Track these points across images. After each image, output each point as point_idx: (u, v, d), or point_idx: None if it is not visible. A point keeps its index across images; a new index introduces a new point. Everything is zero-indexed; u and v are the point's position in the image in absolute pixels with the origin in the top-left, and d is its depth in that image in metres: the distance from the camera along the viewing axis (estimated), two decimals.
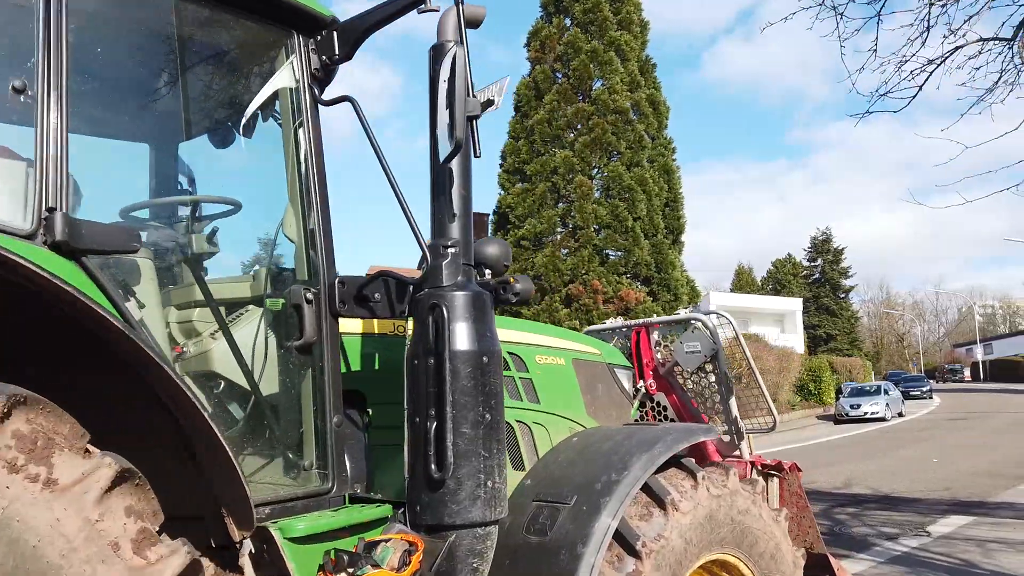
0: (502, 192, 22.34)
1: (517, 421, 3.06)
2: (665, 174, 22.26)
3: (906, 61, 5.13)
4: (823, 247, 56.64)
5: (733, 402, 4.14)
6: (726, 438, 4.40)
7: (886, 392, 27.56)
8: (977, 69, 4.87)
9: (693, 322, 4.18)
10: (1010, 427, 20.50)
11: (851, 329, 55.48)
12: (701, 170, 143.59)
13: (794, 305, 50.29)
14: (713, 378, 4.36)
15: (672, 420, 4.26)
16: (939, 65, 4.99)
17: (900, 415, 27.62)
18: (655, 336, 4.37)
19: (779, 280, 60.12)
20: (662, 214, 21.99)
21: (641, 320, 4.53)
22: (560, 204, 21.26)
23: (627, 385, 3.90)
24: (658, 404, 4.34)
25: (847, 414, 26.17)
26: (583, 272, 20.19)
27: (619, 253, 20.75)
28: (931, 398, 38.76)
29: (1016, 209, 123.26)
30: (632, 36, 22.64)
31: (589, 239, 20.60)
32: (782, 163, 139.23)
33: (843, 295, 56.06)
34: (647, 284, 21.21)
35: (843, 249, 56.46)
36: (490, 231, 22.94)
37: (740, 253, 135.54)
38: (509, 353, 3.10)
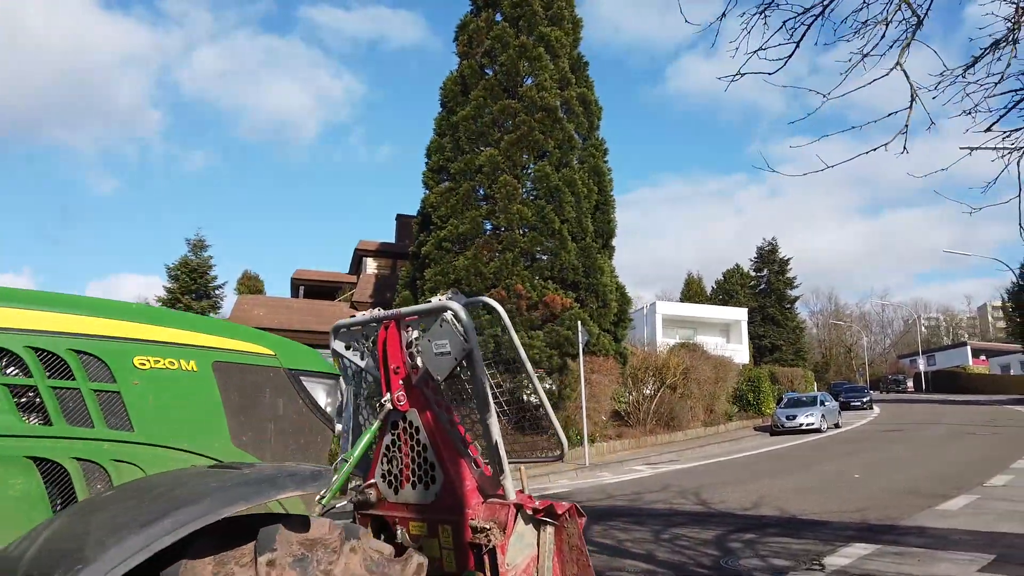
0: (426, 191, 21.24)
1: (76, 459, 1.97)
2: (595, 176, 21.42)
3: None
4: (769, 257, 56.75)
5: (494, 422, 3.08)
6: (515, 470, 3.36)
7: (822, 403, 27.11)
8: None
9: (444, 313, 3.12)
10: (941, 440, 20.08)
11: (796, 339, 55.57)
12: (662, 182, 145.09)
13: (739, 315, 50.19)
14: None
15: (425, 446, 3.20)
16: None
17: (837, 426, 27.21)
18: (410, 333, 3.32)
19: (727, 290, 60.08)
20: (592, 217, 21.12)
21: (391, 311, 3.47)
22: (484, 204, 20.21)
23: (326, 400, 2.83)
24: (410, 425, 3.28)
25: (783, 425, 25.63)
26: (506, 276, 19.17)
27: (545, 257, 19.77)
28: (871, 408, 38.74)
29: (958, 225, 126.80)
30: (563, 32, 21.81)
31: (514, 241, 19.59)
32: (740, 177, 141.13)
33: (788, 305, 56.17)
34: (575, 289, 20.27)
35: (789, 260, 56.65)
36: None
37: (697, 264, 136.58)
38: (75, 351, 2.01)
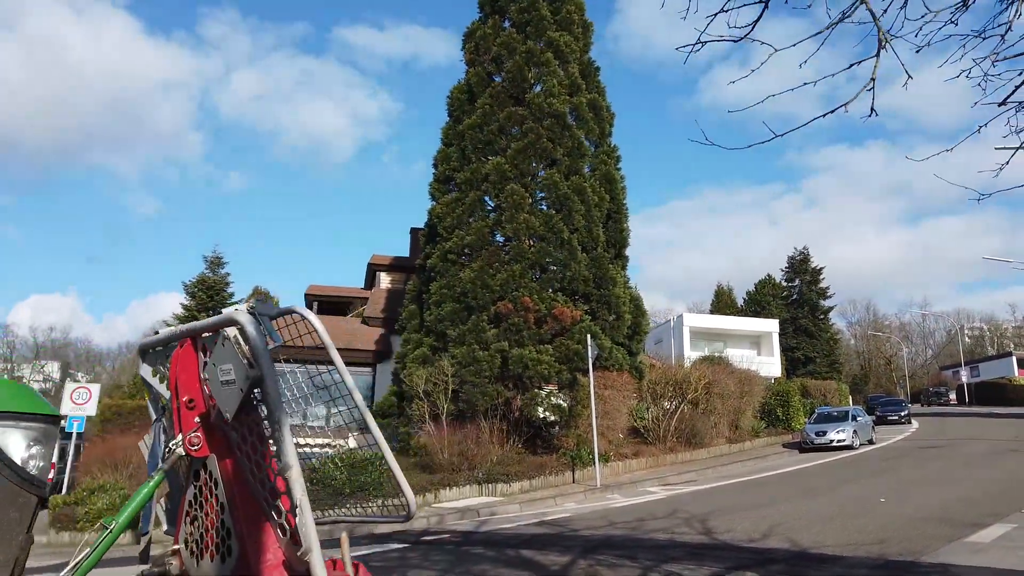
0: (432, 202, 20.68)
1: None
2: (607, 183, 20.66)
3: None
4: (801, 267, 55.19)
5: (295, 477, 2.36)
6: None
7: (854, 418, 25.79)
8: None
9: (225, 330, 2.41)
10: (981, 457, 18.79)
11: (830, 351, 53.82)
12: (695, 193, 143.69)
13: (770, 326, 48.78)
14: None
15: (223, 505, 2.50)
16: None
17: (871, 442, 25.87)
18: (207, 355, 2.62)
19: (759, 301, 58.62)
20: (603, 226, 20.34)
21: (186, 325, 2.78)
22: (492, 215, 19.58)
23: (28, 452, 2.12)
24: (210, 476, 2.57)
25: (812, 442, 24.40)
26: (514, 288, 18.47)
27: (554, 268, 19.04)
28: (909, 423, 37.05)
29: (1003, 233, 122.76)
30: (573, 37, 21.17)
31: (522, 252, 18.91)
32: (776, 187, 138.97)
33: (822, 316, 54.48)
34: (586, 301, 19.49)
35: (821, 269, 55.05)
36: (421, 244, 21.25)
37: (732, 276, 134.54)
38: None
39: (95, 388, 19.35)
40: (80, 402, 18.74)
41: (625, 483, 17.44)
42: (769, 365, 46.72)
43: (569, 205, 19.39)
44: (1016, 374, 73.83)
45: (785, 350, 52.54)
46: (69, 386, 19.32)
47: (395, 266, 28.37)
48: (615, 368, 19.39)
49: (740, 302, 61.99)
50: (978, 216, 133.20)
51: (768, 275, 60.10)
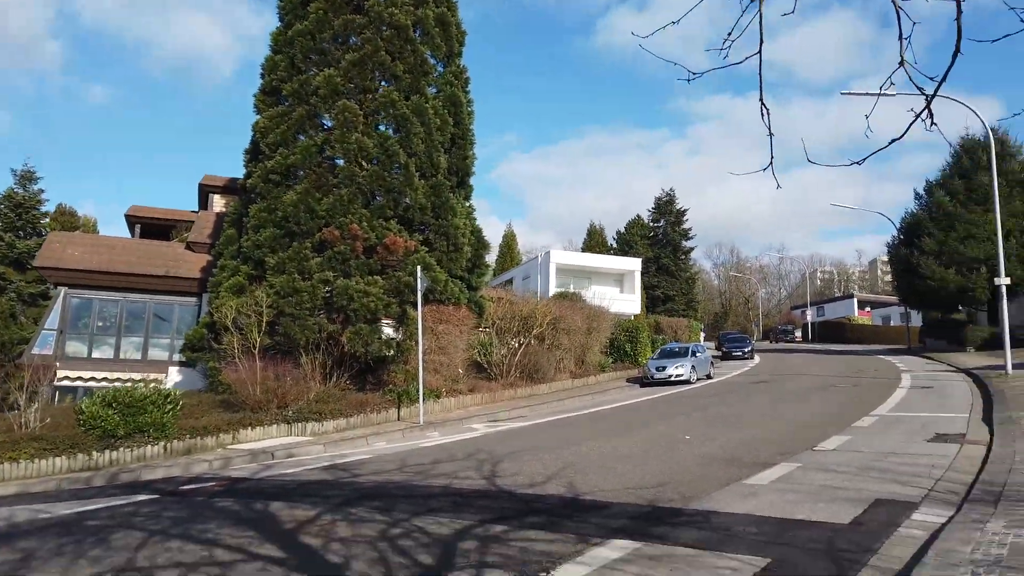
0: (257, 115, 18.57)
1: None
2: (452, 107, 19.26)
3: None
4: (666, 208, 56.30)
5: None
6: None
7: (694, 354, 26.38)
8: None
9: None
10: (801, 392, 19.44)
11: (688, 290, 55.68)
12: (587, 133, 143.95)
13: (633, 265, 49.53)
14: None
15: None
16: None
17: (708, 377, 26.62)
18: None
19: (628, 241, 59.54)
20: (447, 153, 19.05)
21: None
22: (321, 133, 17.79)
23: None
24: None
25: (652, 377, 24.75)
26: (342, 214, 16.96)
27: (388, 194, 17.61)
28: (752, 358, 38.77)
29: (862, 185, 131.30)
30: None
31: (352, 176, 17.34)
32: (663, 132, 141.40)
33: (683, 256, 56.07)
34: (422, 231, 18.28)
35: (685, 211, 56.40)
36: (242, 163, 19.20)
37: (617, 218, 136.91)
38: None
39: None
40: None
41: (452, 420, 16.74)
42: (631, 302, 47.65)
43: (408, 127, 17.92)
44: (856, 314, 79.93)
45: (647, 288, 53.81)
46: None
47: (231, 188, 25.85)
48: (451, 302, 18.44)
49: (612, 241, 62.87)
50: (842, 168, 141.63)
51: (637, 215, 61.10)
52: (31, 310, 28.32)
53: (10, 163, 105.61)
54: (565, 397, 21.39)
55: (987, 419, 12.33)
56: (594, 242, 63.15)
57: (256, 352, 16.24)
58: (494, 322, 23.00)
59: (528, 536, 6.07)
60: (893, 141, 2.92)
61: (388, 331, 18.20)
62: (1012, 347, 20.88)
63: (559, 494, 7.76)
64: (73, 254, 22.08)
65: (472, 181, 20.08)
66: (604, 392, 22.87)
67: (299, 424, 15.11)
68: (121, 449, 12.72)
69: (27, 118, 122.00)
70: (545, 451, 11.05)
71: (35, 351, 22.11)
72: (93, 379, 22.52)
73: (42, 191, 30.19)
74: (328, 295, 16.75)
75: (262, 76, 18.76)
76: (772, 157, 3.12)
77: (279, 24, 19.20)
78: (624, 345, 29.93)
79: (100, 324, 23.40)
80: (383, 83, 18.49)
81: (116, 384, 24.00)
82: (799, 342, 68.18)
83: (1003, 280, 20.08)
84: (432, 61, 19.27)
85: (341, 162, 17.43)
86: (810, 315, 77.51)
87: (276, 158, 17.41)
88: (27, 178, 30.09)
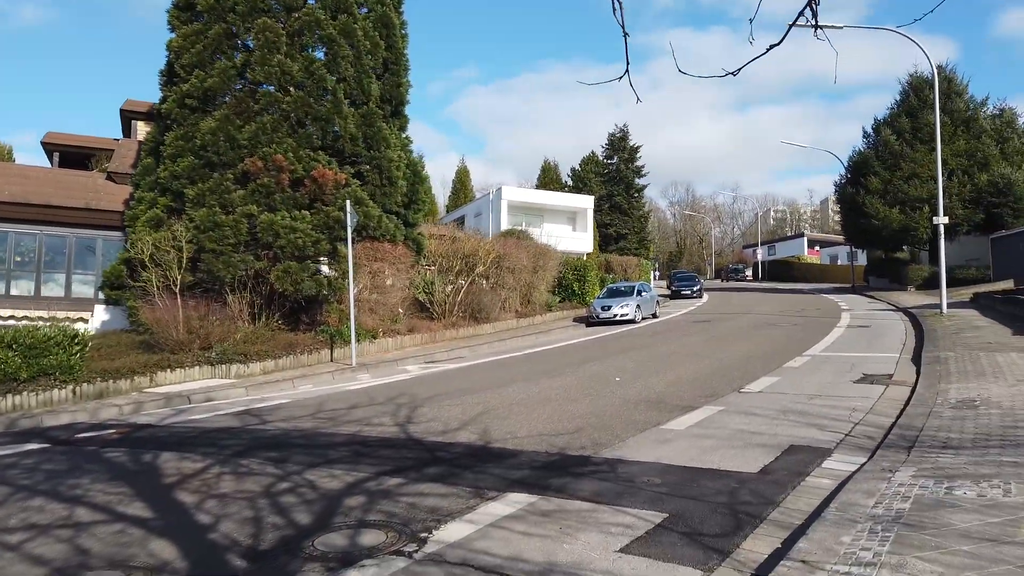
0: (172, 33, 17.17)
1: None
2: (384, 28, 18.09)
3: None
4: (620, 144, 55.52)
5: None
6: None
7: (639, 293, 26.25)
8: None
9: None
10: (741, 331, 19.45)
11: (640, 228, 55.55)
12: (544, 68, 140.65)
13: (586, 203, 48.96)
14: None
15: None
16: None
17: (654, 316, 26.62)
18: None
19: (582, 178, 58.79)
20: (378, 79, 17.99)
21: None
22: (240, 55, 16.55)
23: None
24: None
25: (598, 316, 24.59)
26: (265, 144, 15.94)
27: (316, 123, 16.58)
28: (701, 297, 39.04)
29: (817, 124, 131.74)
30: None
31: (275, 102, 16.26)
32: (621, 67, 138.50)
33: (636, 194, 55.71)
34: (353, 164, 17.37)
35: (639, 148, 55.73)
36: (158, 85, 17.86)
37: (572, 156, 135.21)
38: None
39: None
40: None
41: (388, 362, 16.27)
42: (583, 240, 47.32)
43: (335, 49, 16.78)
44: (806, 253, 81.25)
45: (600, 226, 53.48)
46: None
47: (154, 115, 24.26)
48: (387, 239, 17.72)
49: (567, 179, 62.04)
50: (797, 107, 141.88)
51: (592, 152, 60.22)
52: None
53: None
54: (508, 337, 21.07)
55: (916, 359, 12.32)
56: (548, 179, 62.25)
57: (177, 290, 15.40)
58: (436, 260, 22.40)
59: (421, 490, 5.65)
60: (772, 47, 2.43)
61: (325, 269, 17.47)
62: (948, 286, 21.14)
63: (469, 442, 7.37)
64: None
65: (408, 111, 19.11)
66: (548, 332, 22.62)
67: (223, 366, 14.45)
68: (25, 393, 11.92)
69: None
70: (470, 394, 10.66)
71: None
72: (13, 318, 21.29)
73: None
74: (253, 230, 15.86)
75: None
76: (628, 62, 2.60)
77: None
78: (572, 284, 29.68)
79: (17, 259, 22.06)
80: (309, 0, 17.21)
81: (37, 324, 22.83)
82: (749, 281, 69.21)
83: (941, 219, 20.13)
84: None
85: (265, 88, 16.26)
86: (761, 254, 78.61)
87: (192, 81, 16.17)
88: None
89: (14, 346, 11.97)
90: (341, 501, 5.43)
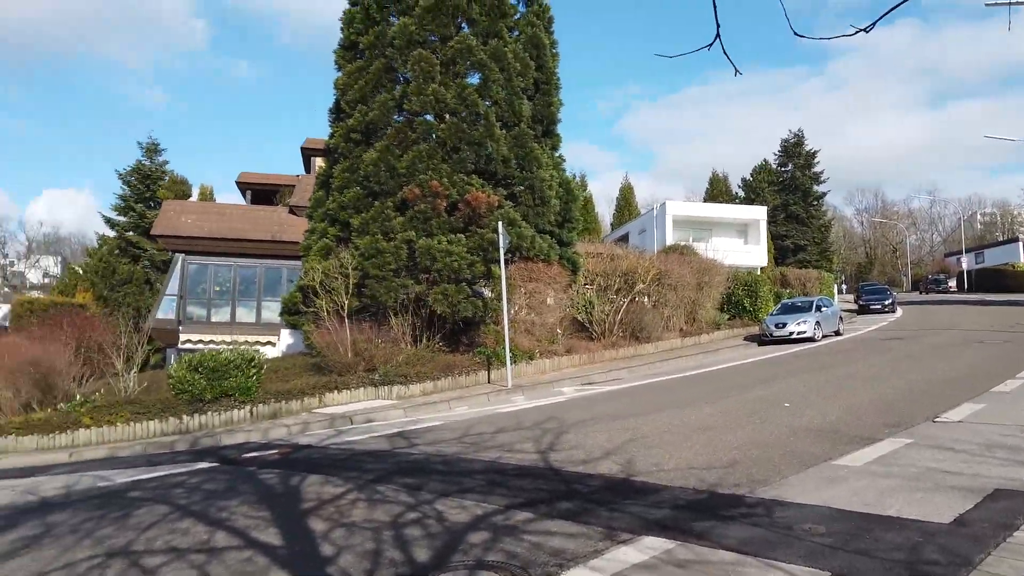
0: (338, 72, 18.26)
1: None
2: (534, 49, 18.09)
3: None
4: (794, 151, 52.09)
5: None
6: None
7: (819, 308, 24.13)
8: None
9: None
10: (939, 349, 17.16)
11: (821, 239, 51.59)
12: (713, 79, 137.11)
13: (758, 213, 46.42)
14: None
15: None
16: None
17: (837, 333, 24.33)
18: None
19: (754, 188, 56.02)
20: (529, 99, 17.99)
21: None
22: (397, 87, 17.23)
23: None
24: None
25: (771, 334, 22.88)
26: (422, 171, 16.42)
27: (468, 147, 16.85)
28: (893, 311, 35.37)
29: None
30: None
31: (430, 130, 16.73)
32: (799, 70, 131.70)
33: (815, 202, 51.90)
34: (506, 185, 17.44)
35: (816, 152, 51.97)
36: (324, 120, 19.04)
37: (745, 165, 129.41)
38: None
39: None
40: None
41: (543, 383, 16.02)
42: (755, 254, 44.84)
43: (486, 74, 17.01)
44: (1021, 260, 71.51)
45: (775, 238, 50.43)
46: None
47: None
48: (541, 259, 17.58)
49: (739, 190, 59.30)
50: (1001, 100, 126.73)
51: (764, 160, 57.15)
52: (163, 276, 30.21)
53: (169, 141, 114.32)
54: (670, 357, 20.12)
55: None
56: (717, 191, 59.83)
57: (345, 314, 16.17)
58: (593, 278, 21.96)
59: (549, 528, 5.22)
60: None
61: (486, 292, 17.66)
62: None
63: (609, 474, 6.84)
64: (187, 222, 23.06)
65: (574, 131, 19.14)
66: (714, 352, 21.36)
67: (385, 387, 14.91)
68: (209, 413, 12.96)
69: (181, 95, 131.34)
70: (620, 419, 10.08)
71: (159, 316, 23.47)
72: (212, 342, 23.59)
73: (166, 162, 32.06)
74: (412, 255, 16.34)
75: (342, 31, 18.37)
76: (718, 25, 2.13)
77: None
78: (742, 300, 27.97)
79: (216, 289, 24.47)
80: (464, 28, 17.60)
81: (233, 347, 25.09)
82: (953, 292, 61.88)
83: None
84: (512, 1, 18.14)
85: (421, 117, 16.79)
86: (966, 262, 70.13)
87: (355, 116, 17.06)
88: (152, 150, 31.93)
89: (199, 369, 13.05)
90: (464, 537, 5.13)
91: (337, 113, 18.16)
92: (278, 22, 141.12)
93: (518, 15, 18.32)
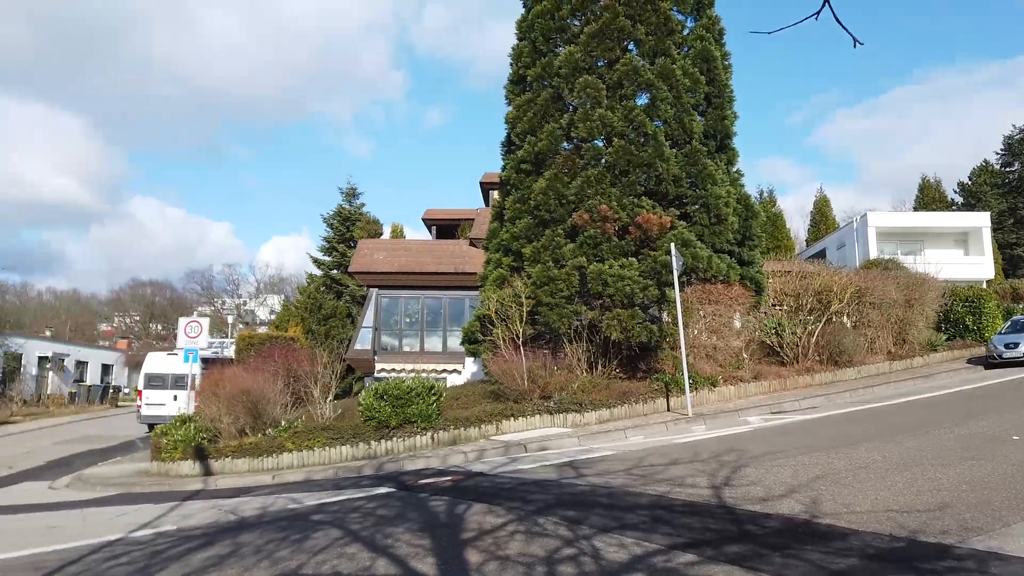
0: (508, 106, 18.73)
1: None
2: (704, 63, 17.40)
3: None
4: (1020, 148, 45.69)
5: None
6: None
7: None
8: None
9: None
10: None
11: None
12: (925, 78, 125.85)
13: (979, 220, 41.24)
14: None
15: None
16: None
17: None
18: None
19: (973, 193, 50.01)
20: (700, 115, 17.30)
21: None
22: (564, 115, 17.31)
23: None
24: None
25: (1000, 356, 19.96)
26: (590, 196, 16.33)
27: (637, 169, 16.50)
28: None
29: None
30: None
31: (598, 154, 16.60)
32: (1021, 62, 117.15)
33: None
34: (678, 205, 16.83)
35: None
36: (499, 155, 19.56)
37: (956, 169, 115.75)
38: None
39: (205, 322, 20.23)
40: (192, 335, 19.69)
41: (728, 411, 15.09)
42: (979, 266, 39.76)
43: (654, 93, 16.62)
44: None
45: (1002, 247, 44.42)
46: (182, 320, 20.38)
47: None
48: (720, 280, 16.70)
49: (955, 196, 53.16)
50: None
51: (984, 161, 50.78)
52: (360, 310, 32.65)
53: (366, 184, 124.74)
54: (876, 383, 18.16)
55: None
56: (928, 199, 53.98)
57: (520, 342, 16.35)
58: (782, 298, 20.49)
59: (713, 573, 4.75)
60: None
61: (663, 316, 17.13)
62: None
63: (790, 514, 6.15)
64: (378, 258, 24.72)
65: (736, 143, 17.97)
66: (929, 377, 18.99)
67: (560, 415, 14.82)
68: (394, 439, 13.57)
69: (383, 142, 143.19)
70: (809, 452, 9.15)
71: (356, 346, 25.24)
72: (404, 371, 24.94)
73: (363, 205, 34.86)
74: (584, 281, 16.22)
75: (511, 66, 18.86)
76: None
77: (523, 10, 19.12)
78: (963, 318, 24.71)
79: (407, 320, 25.89)
80: (630, 49, 17.38)
81: (422, 375, 26.28)
82: None
83: None
84: (679, 17, 17.65)
85: (588, 143, 16.73)
86: None
87: (524, 147, 17.36)
88: (351, 195, 34.87)
89: (385, 397, 13.74)
90: None
91: (508, 146, 18.60)
92: (466, 69, 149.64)
93: (687, 30, 17.78)
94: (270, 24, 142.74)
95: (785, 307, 20.55)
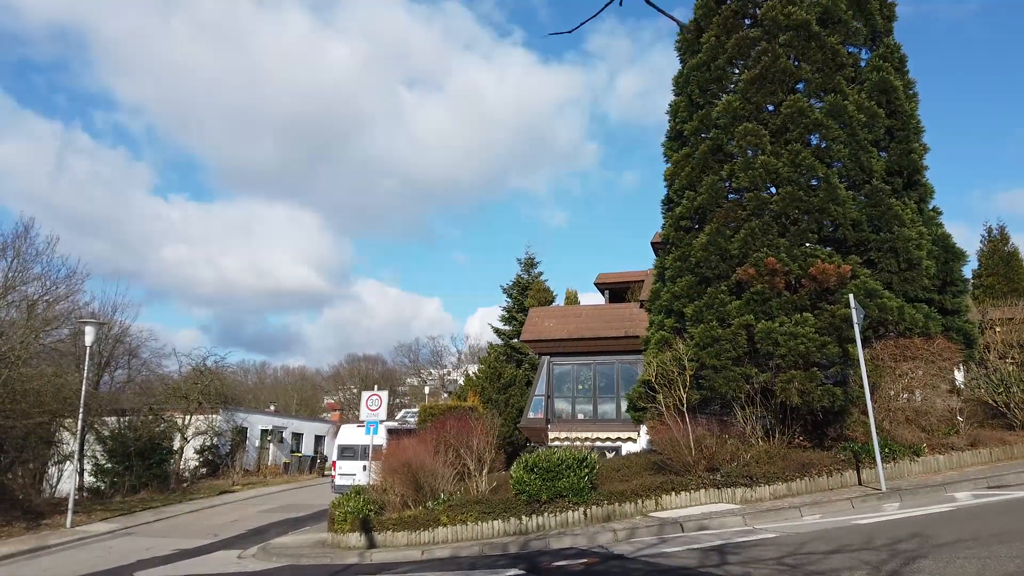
0: (666, 163, 18.14)
1: None
2: (882, 95, 15.72)
3: None
4: None
5: None
6: None
7: None
8: None
9: None
10: None
11: None
12: None
13: None
14: None
15: None
16: None
17: None
18: None
19: None
20: (880, 150, 15.55)
21: None
22: (724, 167, 16.37)
23: None
24: None
25: None
26: (755, 249, 15.16)
27: (807, 216, 15.08)
28: None
29: None
30: None
31: (763, 204, 15.45)
32: None
33: None
34: (860, 252, 15.07)
35: None
36: (660, 213, 18.85)
37: None
38: None
39: (384, 395, 21.23)
40: (373, 408, 20.75)
41: (934, 485, 12.86)
42: None
43: (823, 133, 15.27)
44: None
45: None
46: (364, 394, 21.54)
47: None
48: (917, 333, 14.58)
49: None
50: None
51: None
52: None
53: (563, 254, 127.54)
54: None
55: None
56: None
57: (684, 408, 15.27)
58: (1007, 351, 17.47)
59: None
60: None
61: (850, 375, 15.26)
62: None
63: None
64: (548, 325, 24.70)
65: (928, 178, 15.90)
66: None
67: (728, 490, 13.49)
68: (545, 514, 13.05)
69: (574, 211, 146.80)
70: (1013, 541, 7.38)
71: (530, 415, 25.15)
72: (577, 439, 24.39)
73: (540, 274, 35.32)
74: (752, 341, 14.90)
75: (668, 122, 18.34)
76: None
77: (679, 66, 18.64)
78: None
79: (579, 387, 25.43)
80: (797, 89, 16.20)
81: (596, 443, 25.51)
82: None
83: None
84: (851, 50, 16.21)
85: (750, 193, 15.65)
86: None
87: (683, 203, 16.60)
88: (529, 264, 35.55)
89: (535, 470, 13.32)
90: None
91: (667, 204, 17.92)
92: (655, 132, 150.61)
93: (863, 63, 16.29)
94: (474, 114, 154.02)
95: (1012, 360, 17.51)
